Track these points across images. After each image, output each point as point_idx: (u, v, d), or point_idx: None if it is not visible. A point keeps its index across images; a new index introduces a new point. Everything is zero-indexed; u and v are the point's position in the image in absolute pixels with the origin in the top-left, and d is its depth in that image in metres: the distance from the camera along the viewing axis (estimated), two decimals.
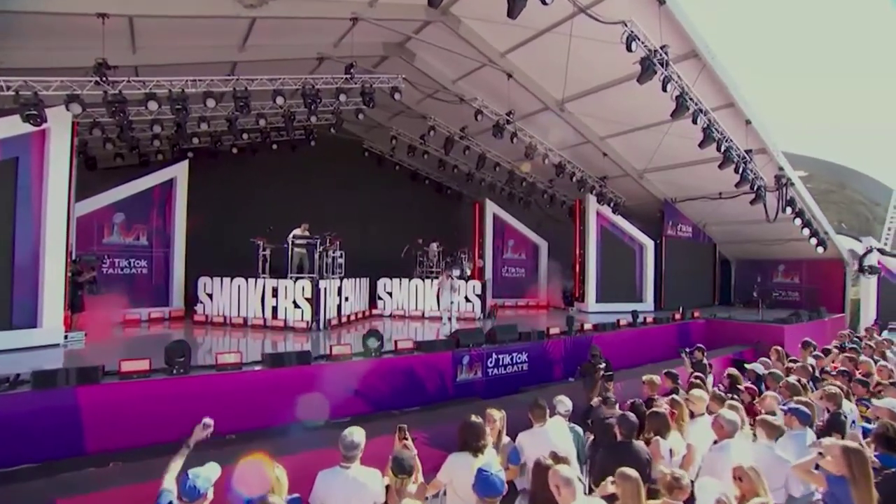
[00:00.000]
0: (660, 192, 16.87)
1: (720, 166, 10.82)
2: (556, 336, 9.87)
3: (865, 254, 15.18)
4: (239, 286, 10.36)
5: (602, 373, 6.09)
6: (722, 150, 10.24)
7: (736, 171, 10.81)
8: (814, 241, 14.94)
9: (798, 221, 13.71)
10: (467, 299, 13.28)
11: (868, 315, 14.11)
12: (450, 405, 7.70)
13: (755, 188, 11.56)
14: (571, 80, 12.09)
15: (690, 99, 9.14)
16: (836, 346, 9.07)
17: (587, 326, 10.60)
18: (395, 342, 7.60)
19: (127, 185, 10.80)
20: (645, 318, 12.10)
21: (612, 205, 15.70)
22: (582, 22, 9.82)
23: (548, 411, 4.22)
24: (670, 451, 4.02)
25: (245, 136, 12.31)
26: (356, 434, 3.05)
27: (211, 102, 8.84)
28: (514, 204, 19.09)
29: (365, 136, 17.77)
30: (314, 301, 10.01)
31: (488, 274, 17.25)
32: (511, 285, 18.18)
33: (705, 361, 8.62)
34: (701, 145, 10.17)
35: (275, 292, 10.18)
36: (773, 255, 18.51)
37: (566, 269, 17.77)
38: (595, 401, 5.23)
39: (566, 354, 9.96)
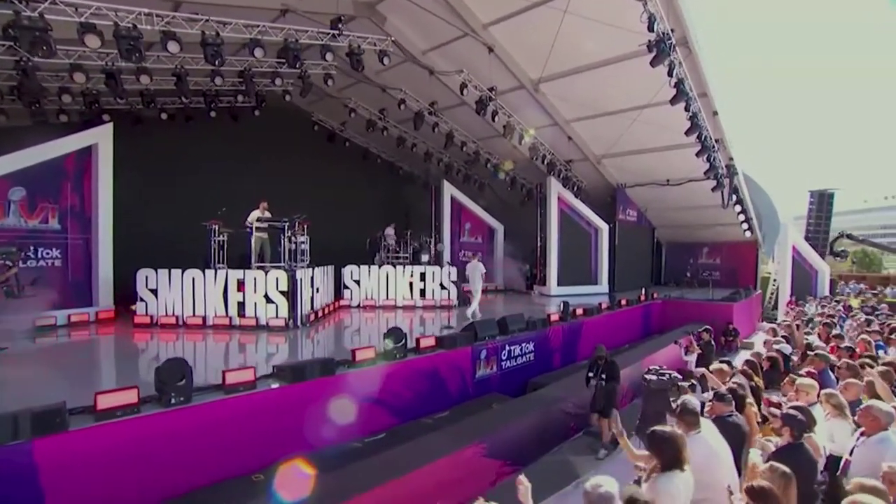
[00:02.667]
0: (613, 177, 17.39)
1: (698, 154, 11.18)
2: (557, 323, 9.57)
3: (836, 239, 17.29)
4: (194, 279, 8.53)
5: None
6: (702, 138, 10.54)
7: (708, 159, 11.26)
8: (745, 225, 16.41)
9: (738, 207, 14.90)
10: (442, 286, 12.52)
11: (785, 292, 15.86)
12: (473, 405, 7.05)
13: (717, 176, 12.18)
14: (552, 59, 11.73)
15: (689, 87, 9.16)
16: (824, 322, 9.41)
17: (579, 312, 10.44)
18: (418, 340, 6.67)
19: (27, 153, 8.27)
20: (620, 301, 12.31)
21: (575, 189, 15.81)
22: None
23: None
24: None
25: (182, 98, 10.14)
26: (606, 484, 2.25)
27: (174, 47, 6.91)
28: (470, 186, 18.57)
29: (311, 109, 15.93)
30: (291, 294, 8.60)
31: (446, 258, 16.61)
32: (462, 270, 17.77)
33: (713, 343, 8.90)
34: (688, 133, 10.37)
35: (241, 285, 8.56)
36: (700, 239, 20.25)
37: (524, 252, 17.74)
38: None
39: (564, 341, 9.74)
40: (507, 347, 8.17)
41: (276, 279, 8.56)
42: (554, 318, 9.59)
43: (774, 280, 17.74)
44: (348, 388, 5.54)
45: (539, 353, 8.92)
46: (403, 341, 6.38)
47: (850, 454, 3.73)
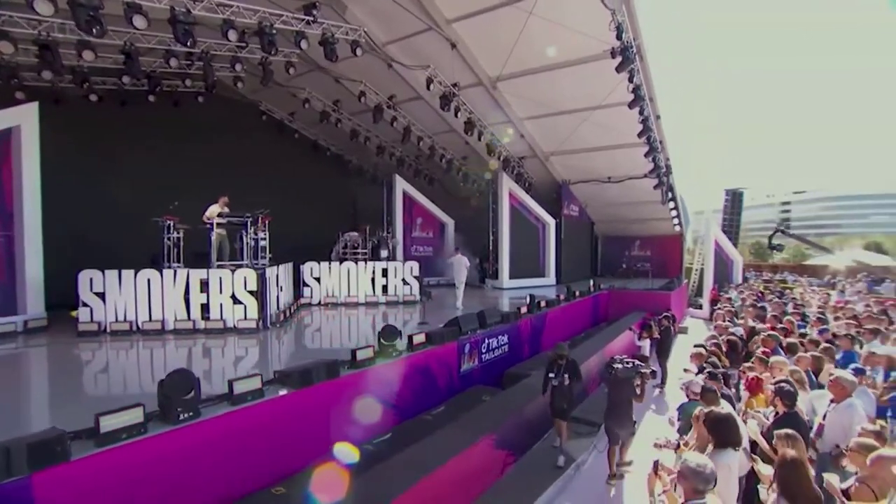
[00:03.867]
0: (559, 174, 18.25)
1: (646, 155, 12.05)
2: (525, 315, 9.92)
3: (773, 233, 19.26)
4: (149, 280, 7.73)
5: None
6: (650, 140, 11.39)
7: (653, 160, 12.20)
8: (676, 220, 18.00)
9: (672, 204, 16.31)
10: (405, 281, 12.43)
11: (708, 280, 17.68)
12: (462, 398, 7.15)
13: (659, 175, 13.25)
14: (512, 59, 12.03)
15: (645, 93, 9.85)
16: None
17: (542, 304, 10.88)
18: (410, 337, 6.60)
19: None
20: (575, 292, 13.00)
21: (526, 185, 16.36)
22: (546, 1, 9.80)
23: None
24: None
25: (123, 80, 9.08)
26: (710, 463, 2.44)
27: (140, 21, 6.11)
28: (421, 181, 18.56)
29: (257, 97, 14.97)
30: (260, 294, 8.12)
31: (399, 254, 16.50)
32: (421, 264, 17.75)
33: (671, 328, 9.71)
34: (640, 135, 11.13)
35: (204, 286, 7.92)
36: (633, 233, 21.91)
37: (475, 246, 18.07)
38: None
39: (531, 332, 10.13)
40: (486, 340, 8.35)
41: (245, 278, 8.02)
42: (523, 310, 9.93)
43: (696, 270, 19.63)
44: (354, 390, 5.39)
45: (512, 344, 9.22)
46: (398, 339, 6.31)
47: (824, 419, 4.35)
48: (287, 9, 7.87)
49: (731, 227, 23.01)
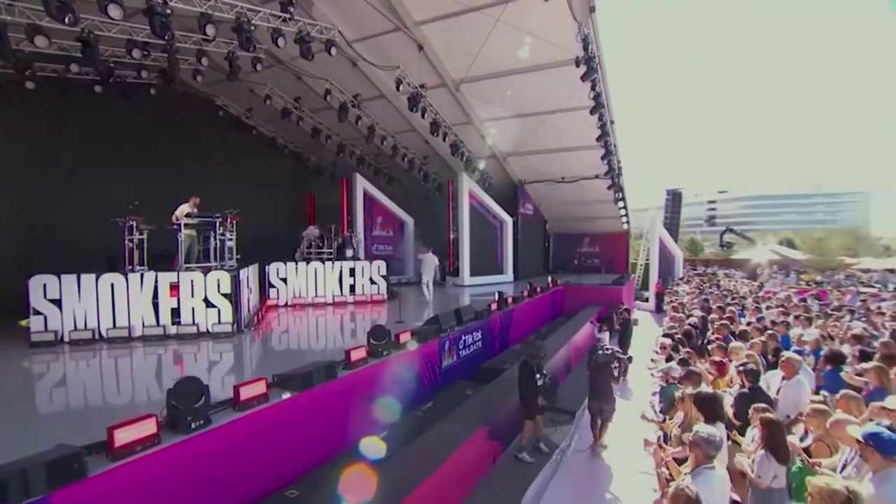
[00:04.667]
0: (515, 174, 18.89)
1: (602, 157, 12.81)
2: (495, 312, 10.28)
3: (724, 232, 20.72)
4: (113, 285, 7.28)
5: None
6: (607, 144, 12.15)
7: (608, 163, 13.00)
8: (624, 219, 19.20)
9: (622, 203, 17.39)
10: (372, 281, 12.44)
11: (654, 275, 19.03)
12: (446, 393, 7.38)
13: (613, 177, 14.13)
14: (477, 62, 12.36)
15: (605, 100, 10.51)
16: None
17: (509, 300, 11.32)
18: (397, 336, 6.71)
19: None
20: (537, 288, 13.57)
21: (486, 185, 16.79)
22: (513, 10, 10.19)
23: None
24: None
25: (73, 66, 8.40)
26: (718, 433, 2.82)
27: (116, 11, 5.70)
28: (380, 179, 18.52)
29: (214, 91, 14.29)
30: (235, 297, 7.89)
31: (360, 252, 16.43)
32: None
33: (631, 320, 10.43)
34: (598, 139, 11.83)
35: (174, 289, 7.57)
36: (583, 231, 23.11)
37: (435, 244, 18.28)
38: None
39: (500, 328, 10.52)
40: (463, 337, 8.62)
41: (218, 281, 7.76)
42: (493, 307, 10.30)
43: (641, 265, 21.05)
44: (352, 390, 5.45)
45: (485, 340, 9.56)
46: (387, 339, 6.42)
47: (777, 393, 5.02)
48: (256, 5, 7.65)
49: (672, 224, 24.91)
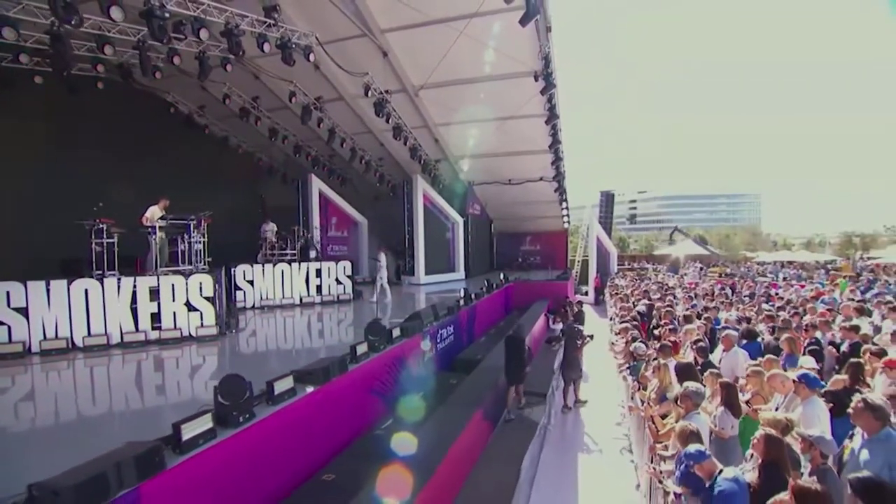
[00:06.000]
0: (466, 176, 19.71)
1: (552, 163, 13.93)
2: (463, 307, 10.97)
3: (672, 232, 22.74)
4: (87, 291, 7.00)
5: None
6: (557, 151, 13.27)
7: (557, 168, 14.17)
8: (566, 218, 20.72)
9: (564, 204, 18.83)
10: (338, 281, 12.63)
11: (592, 270, 20.79)
12: (431, 383, 7.91)
13: (560, 179, 15.37)
14: (438, 70, 12.95)
15: (558, 111, 11.55)
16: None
17: (473, 296, 12.07)
18: (390, 331, 7.14)
19: None
20: (493, 285, 14.46)
21: (440, 186, 17.43)
22: (477, 24, 10.91)
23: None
24: None
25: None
26: (702, 388, 3.68)
27: (117, 13, 5.50)
28: (334, 180, 18.55)
29: (159, 87, 13.60)
30: (216, 299, 7.88)
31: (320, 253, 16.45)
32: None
33: (583, 311, 11.54)
34: (550, 146, 12.88)
35: (154, 294, 7.43)
36: (524, 229, 24.49)
37: (388, 244, 18.66)
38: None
39: (467, 322, 11.25)
40: (440, 330, 9.22)
41: (200, 284, 7.71)
42: (461, 302, 10.99)
43: (579, 261, 22.83)
44: (360, 382, 5.86)
45: (456, 333, 10.23)
46: (384, 334, 6.86)
47: (719, 363, 6.16)
48: (231, 7, 7.68)
49: (606, 223, 27.17)
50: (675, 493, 3.17)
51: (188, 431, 3.63)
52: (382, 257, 12.59)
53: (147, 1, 5.89)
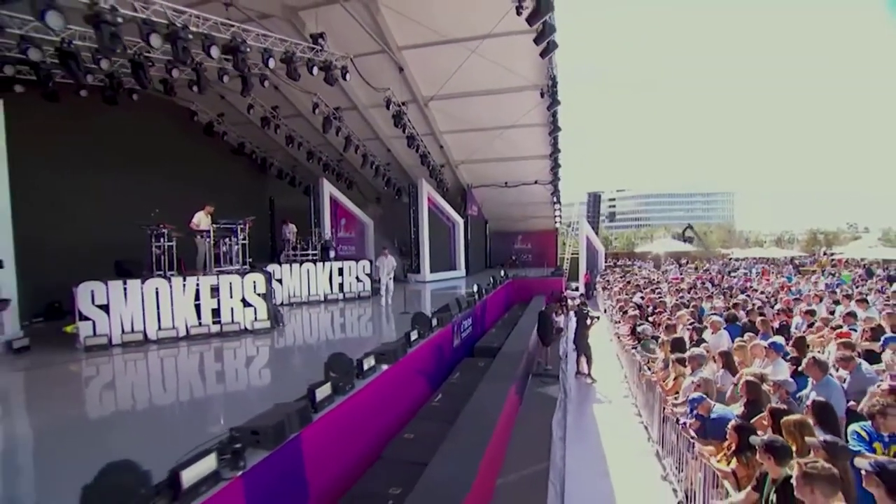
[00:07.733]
0: (465, 179, 20.82)
1: (552, 170, 15.13)
2: (477, 301, 12.08)
3: (685, 229, 24.10)
4: (157, 290, 7.85)
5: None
6: (555, 158, 14.48)
7: (555, 173, 15.39)
8: (558, 218, 22.03)
9: (557, 205, 20.12)
10: (358, 279, 13.58)
11: (582, 267, 22.16)
12: (462, 367, 8.98)
13: (555, 183, 16.61)
14: (448, 84, 14.01)
15: (559, 122, 12.75)
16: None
17: (483, 291, 13.19)
18: (430, 320, 8.19)
19: None
20: (498, 282, 15.62)
21: (444, 189, 18.49)
22: (489, 44, 12.01)
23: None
24: None
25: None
26: (703, 352, 4.88)
27: (156, 41, 6.22)
28: (342, 183, 19.42)
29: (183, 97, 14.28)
30: (268, 296, 8.80)
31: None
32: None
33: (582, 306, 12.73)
34: (550, 155, 14.07)
35: (214, 291, 8.31)
36: (517, 229, 25.72)
37: (394, 244, 19.66)
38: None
39: (481, 314, 12.36)
40: (462, 322, 10.31)
41: (254, 282, 8.63)
42: (477, 297, 12.10)
43: (568, 259, 24.21)
44: (417, 363, 6.93)
45: (474, 324, 11.33)
46: (426, 322, 7.92)
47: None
48: (269, 31, 8.54)
49: (594, 222, 28.70)
50: (684, 423, 4.38)
51: (320, 394, 4.64)
52: (384, 260, 13.36)
53: (168, 23, 6.57)
